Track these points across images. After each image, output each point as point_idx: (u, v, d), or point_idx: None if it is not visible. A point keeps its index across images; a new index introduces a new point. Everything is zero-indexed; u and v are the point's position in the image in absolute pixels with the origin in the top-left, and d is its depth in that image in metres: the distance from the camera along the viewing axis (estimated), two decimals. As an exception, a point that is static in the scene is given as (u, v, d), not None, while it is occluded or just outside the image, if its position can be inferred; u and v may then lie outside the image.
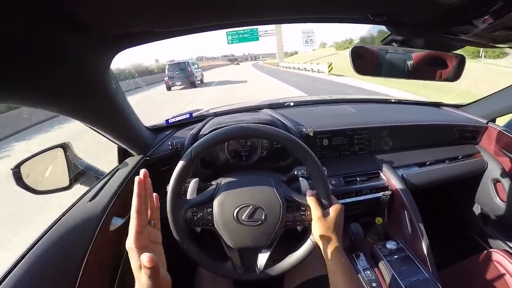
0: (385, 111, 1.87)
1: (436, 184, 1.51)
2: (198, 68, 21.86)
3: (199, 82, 20.45)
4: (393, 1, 0.69)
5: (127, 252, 1.04)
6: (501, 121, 1.72)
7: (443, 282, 1.10)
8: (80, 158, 1.21)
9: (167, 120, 1.51)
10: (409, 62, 0.92)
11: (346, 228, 1.21)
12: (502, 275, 1.28)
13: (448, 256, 1.54)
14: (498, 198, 1.57)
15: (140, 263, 0.54)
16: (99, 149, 2.87)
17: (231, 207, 0.84)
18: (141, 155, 1.25)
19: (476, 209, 1.75)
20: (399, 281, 1.09)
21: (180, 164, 0.82)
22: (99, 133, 1.03)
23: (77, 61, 0.70)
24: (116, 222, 0.99)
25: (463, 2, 0.59)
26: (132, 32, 0.73)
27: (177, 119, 1.53)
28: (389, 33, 0.94)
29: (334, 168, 1.36)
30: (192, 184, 0.94)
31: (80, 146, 1.18)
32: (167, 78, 18.46)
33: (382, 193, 1.36)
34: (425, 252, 1.19)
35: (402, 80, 0.99)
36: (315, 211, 0.82)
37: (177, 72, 18.45)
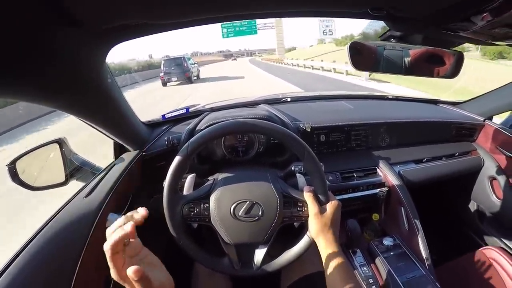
0: (383, 108, 1.87)
1: (432, 181, 1.51)
2: (195, 63, 21.55)
3: (195, 77, 20.16)
4: None
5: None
6: (498, 119, 1.73)
7: (439, 278, 1.10)
8: (76, 154, 1.20)
9: (163, 115, 1.51)
10: (407, 59, 0.92)
11: (343, 224, 1.21)
12: (497, 272, 1.29)
13: (445, 252, 1.55)
14: (494, 196, 1.58)
15: (118, 267, 0.56)
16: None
17: (228, 203, 0.83)
18: (137, 151, 1.25)
19: (472, 206, 1.76)
20: (396, 277, 1.09)
21: (177, 159, 0.81)
22: (95, 128, 1.02)
23: (72, 55, 0.69)
24: (112, 218, 0.98)
25: None
26: (127, 25, 0.72)
27: (174, 114, 1.52)
28: (388, 28, 0.94)
29: (331, 164, 1.36)
30: (189, 179, 0.94)
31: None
32: (162, 73, 18.24)
33: (379, 189, 1.36)
34: (422, 248, 1.19)
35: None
36: (312, 207, 0.81)
37: (173, 68, 18.20)
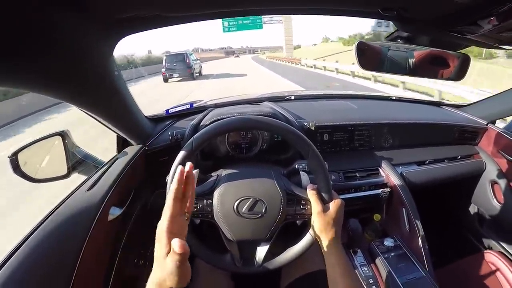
0: (386, 108, 1.87)
1: (434, 183, 1.51)
2: (197, 60, 21.22)
3: (198, 74, 19.95)
4: None
5: (124, 242, 1.04)
6: (501, 123, 1.73)
7: (438, 280, 1.11)
8: (79, 147, 1.20)
9: (167, 110, 1.50)
10: (411, 60, 0.92)
11: (345, 223, 1.21)
12: (496, 276, 1.29)
13: (444, 255, 1.55)
14: (495, 200, 1.58)
15: (168, 249, 0.53)
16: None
17: (231, 199, 0.83)
18: (141, 145, 1.24)
19: (473, 210, 1.76)
20: (396, 278, 1.09)
21: (181, 154, 0.81)
22: (98, 121, 1.02)
23: (81, 45, 0.69)
24: (114, 212, 0.98)
25: (474, 1, 0.59)
26: (138, 16, 0.71)
27: (177, 109, 1.52)
28: (395, 29, 0.94)
29: (334, 164, 1.35)
30: None
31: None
32: (164, 69, 17.85)
33: (381, 190, 1.36)
34: (422, 250, 1.19)
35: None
36: (315, 206, 0.81)
37: (174, 64, 17.81)
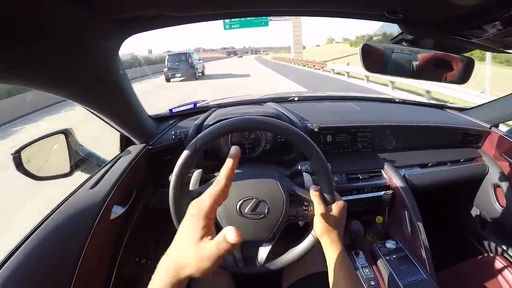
0: (389, 111, 1.87)
1: (437, 186, 1.51)
2: (199, 59, 21.02)
3: (200, 74, 19.71)
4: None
5: (127, 241, 1.05)
6: (505, 127, 1.72)
7: (440, 283, 1.10)
8: (82, 145, 1.20)
9: (170, 110, 1.51)
10: (415, 62, 0.92)
11: (347, 225, 1.21)
12: (498, 280, 1.29)
13: (446, 257, 1.55)
14: (497, 203, 1.58)
15: (203, 233, 0.48)
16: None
17: (234, 200, 0.83)
18: (144, 144, 1.25)
19: (475, 213, 1.75)
20: (397, 280, 1.09)
21: (184, 154, 0.81)
22: (102, 119, 1.02)
23: (86, 45, 0.69)
24: (117, 210, 0.98)
25: (479, 5, 0.59)
26: (142, 16, 0.72)
27: (181, 109, 1.52)
28: (400, 31, 0.94)
29: (337, 165, 1.35)
30: (195, 175, 0.94)
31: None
32: (166, 69, 17.68)
33: (383, 192, 1.36)
34: (424, 253, 1.19)
35: None
36: (318, 207, 0.81)
37: (177, 63, 17.64)
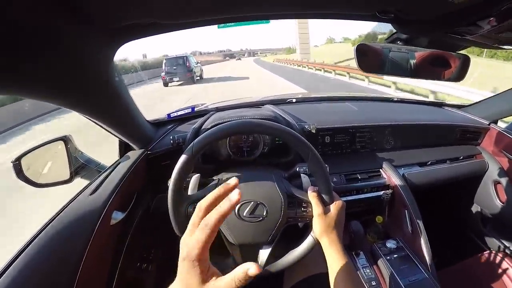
0: (388, 110, 1.87)
1: (436, 184, 1.51)
2: (197, 63, 20.82)
3: (198, 78, 19.69)
4: None
5: (127, 246, 1.05)
6: (503, 123, 1.72)
7: (441, 282, 1.10)
8: (81, 151, 1.21)
9: (168, 114, 1.51)
10: (412, 61, 0.92)
11: (347, 226, 1.21)
12: (500, 277, 1.29)
13: (447, 256, 1.55)
14: (498, 200, 1.57)
15: (202, 277, 0.45)
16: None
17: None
18: (142, 149, 1.25)
19: (476, 210, 1.75)
20: (398, 280, 1.09)
21: (182, 159, 0.81)
22: (101, 126, 1.02)
23: (81, 53, 0.69)
24: (117, 216, 0.99)
25: (472, 2, 0.59)
26: (137, 24, 0.72)
27: (179, 113, 1.53)
28: (394, 31, 0.94)
29: (336, 166, 1.36)
30: (194, 179, 0.94)
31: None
32: (163, 73, 17.40)
33: (383, 191, 1.36)
34: (425, 251, 1.19)
35: None
36: (316, 208, 0.81)
37: (174, 67, 17.41)
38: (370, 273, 1.17)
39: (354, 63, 0.91)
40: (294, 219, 0.86)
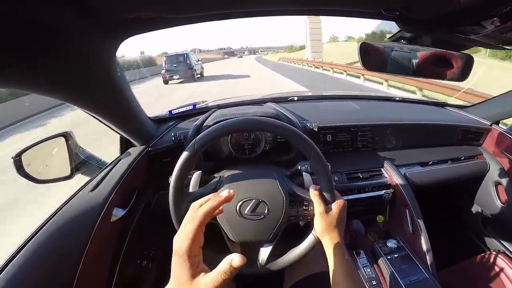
0: (389, 109, 1.86)
1: (438, 184, 1.51)
2: (198, 61, 20.45)
3: (199, 76, 19.31)
4: None
5: (128, 243, 1.05)
6: (505, 124, 1.72)
7: (442, 282, 1.10)
8: (82, 148, 1.20)
9: (170, 111, 1.51)
10: (414, 60, 0.91)
11: (348, 225, 1.21)
12: (500, 278, 1.28)
13: (448, 256, 1.55)
14: (498, 201, 1.57)
15: (192, 272, 0.47)
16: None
17: (234, 201, 0.83)
18: (144, 146, 1.25)
19: (477, 211, 1.75)
20: (399, 279, 1.09)
21: (183, 156, 0.81)
22: (101, 122, 1.02)
23: (84, 47, 0.69)
24: (118, 213, 0.99)
25: (475, 1, 0.59)
26: (140, 18, 0.71)
27: (181, 110, 1.52)
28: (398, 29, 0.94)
29: (337, 165, 1.35)
30: (195, 176, 0.93)
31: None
32: (164, 71, 17.09)
33: (384, 191, 1.35)
34: (425, 251, 1.19)
35: None
36: (317, 206, 0.81)
37: (175, 65, 17.11)
38: (370, 273, 1.17)
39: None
40: (296, 217, 0.86)
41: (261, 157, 1.29)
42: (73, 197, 0.95)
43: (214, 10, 0.76)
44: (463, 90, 5.81)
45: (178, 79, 17.32)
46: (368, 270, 1.18)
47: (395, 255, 1.20)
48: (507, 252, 1.53)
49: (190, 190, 0.90)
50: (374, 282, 1.13)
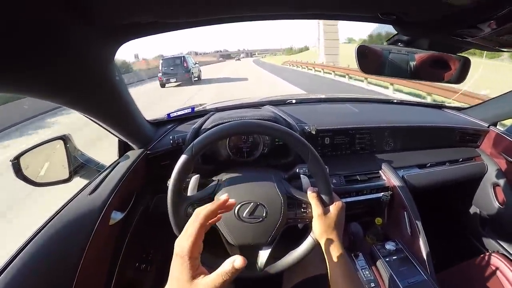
0: (387, 112, 1.87)
1: (436, 186, 1.51)
2: (195, 63, 20.15)
3: (196, 79, 19.05)
4: (403, 0, 0.68)
5: (126, 246, 1.05)
6: (503, 126, 1.73)
7: (440, 283, 1.10)
8: (80, 151, 1.20)
9: (168, 114, 1.51)
10: (412, 63, 0.92)
11: (346, 227, 1.21)
12: (499, 279, 1.29)
13: (446, 258, 1.55)
14: (496, 202, 1.58)
15: (192, 273, 0.47)
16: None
17: None
18: (142, 149, 1.25)
19: (475, 212, 1.75)
20: (397, 282, 1.09)
21: (181, 159, 0.81)
22: (100, 125, 1.02)
23: (82, 52, 0.69)
24: (116, 216, 0.98)
25: (473, 4, 0.59)
26: (137, 23, 0.72)
27: (179, 113, 1.53)
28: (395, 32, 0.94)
29: (335, 167, 1.36)
30: (193, 180, 0.93)
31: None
32: (160, 74, 17.06)
33: (382, 193, 1.35)
34: (424, 253, 1.19)
35: None
36: (316, 209, 0.81)
37: (171, 68, 17.04)
38: (369, 275, 1.17)
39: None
40: (294, 220, 0.86)
41: (259, 160, 1.29)
42: (71, 200, 0.95)
43: (212, 15, 0.77)
44: (461, 92, 5.83)
45: (175, 82, 17.15)
46: (367, 272, 1.18)
47: (394, 257, 1.20)
48: (505, 253, 1.53)
49: (188, 193, 0.90)
50: (372, 285, 1.12)
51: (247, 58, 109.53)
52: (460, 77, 0.96)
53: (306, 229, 0.88)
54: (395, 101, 2.07)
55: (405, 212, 1.31)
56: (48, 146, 1.09)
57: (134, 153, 1.22)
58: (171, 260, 0.50)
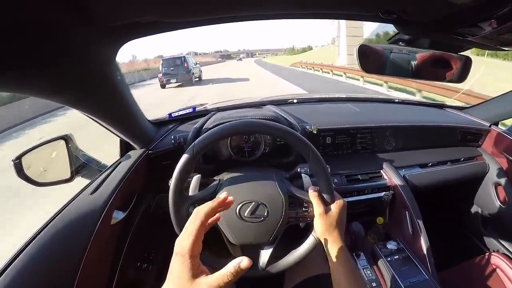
0: (389, 111, 1.86)
1: (437, 185, 1.51)
2: (196, 64, 19.94)
3: (197, 79, 19.04)
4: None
5: (128, 245, 1.05)
6: (504, 125, 1.72)
7: (442, 283, 1.10)
8: (82, 151, 1.21)
9: (170, 114, 1.51)
10: (413, 62, 0.91)
11: (347, 227, 1.21)
12: (501, 279, 1.29)
13: (448, 257, 1.54)
14: (498, 201, 1.57)
15: (192, 272, 0.47)
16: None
17: (233, 203, 0.83)
18: (143, 149, 1.25)
19: (476, 212, 1.75)
20: (399, 281, 1.09)
21: (183, 159, 0.81)
22: (101, 125, 1.02)
23: (83, 52, 0.69)
24: (118, 215, 0.99)
25: (472, 3, 0.59)
26: (137, 23, 0.72)
27: (180, 113, 1.53)
28: (396, 32, 0.94)
29: (337, 167, 1.36)
30: (195, 180, 0.94)
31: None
32: (160, 74, 16.91)
33: (384, 193, 1.35)
34: (425, 253, 1.19)
35: None
36: (317, 207, 0.81)
37: (172, 69, 16.85)
38: (370, 274, 1.17)
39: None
40: (295, 219, 0.86)
41: (261, 160, 1.29)
42: (73, 200, 0.95)
43: (212, 15, 0.77)
44: (462, 91, 5.82)
45: (175, 82, 17.03)
46: (368, 272, 1.18)
47: (395, 257, 1.20)
48: (507, 253, 1.53)
49: (190, 193, 0.90)
50: (374, 284, 1.13)
51: (248, 58, 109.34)
52: (461, 76, 0.95)
53: (308, 228, 0.88)
54: (397, 100, 2.07)
55: (406, 212, 1.31)
56: (49, 146, 1.09)
57: (135, 153, 1.22)
58: (169, 260, 0.50)
